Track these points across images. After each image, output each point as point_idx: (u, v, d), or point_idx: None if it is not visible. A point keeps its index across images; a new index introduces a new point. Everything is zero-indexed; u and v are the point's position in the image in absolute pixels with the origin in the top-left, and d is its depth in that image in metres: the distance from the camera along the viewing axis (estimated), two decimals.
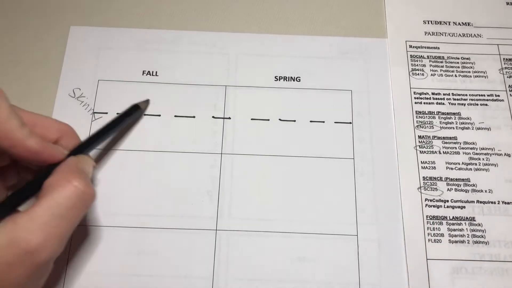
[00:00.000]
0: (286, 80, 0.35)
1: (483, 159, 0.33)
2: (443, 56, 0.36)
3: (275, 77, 0.35)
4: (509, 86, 0.35)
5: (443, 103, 0.34)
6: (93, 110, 0.33)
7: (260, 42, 0.36)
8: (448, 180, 0.32)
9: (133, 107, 0.32)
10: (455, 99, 0.34)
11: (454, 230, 0.31)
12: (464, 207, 0.31)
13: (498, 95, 0.34)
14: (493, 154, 0.33)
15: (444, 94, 0.34)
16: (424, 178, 0.32)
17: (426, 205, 0.31)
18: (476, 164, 0.32)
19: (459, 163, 0.32)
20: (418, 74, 0.35)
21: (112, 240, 0.30)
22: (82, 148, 0.27)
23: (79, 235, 0.30)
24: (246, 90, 0.34)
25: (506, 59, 0.36)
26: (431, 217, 0.31)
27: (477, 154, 0.33)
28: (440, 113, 0.34)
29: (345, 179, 0.32)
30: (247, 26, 0.37)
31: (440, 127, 0.33)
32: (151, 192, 0.31)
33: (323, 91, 0.35)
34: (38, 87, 0.34)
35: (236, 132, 0.33)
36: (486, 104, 0.34)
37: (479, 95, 0.34)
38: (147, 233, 0.30)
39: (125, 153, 0.32)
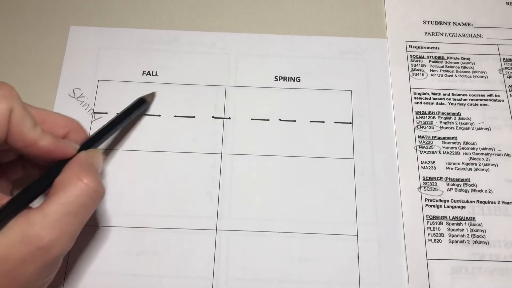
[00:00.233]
0: (286, 80, 0.35)
1: (483, 159, 0.33)
2: (443, 56, 0.36)
3: (275, 77, 0.35)
4: (509, 86, 0.35)
5: (443, 103, 0.34)
6: (93, 110, 0.33)
7: (260, 42, 0.36)
8: (448, 180, 0.32)
9: (139, 100, 0.32)
10: (455, 99, 0.34)
11: (454, 230, 0.31)
12: (464, 207, 0.31)
13: (498, 95, 0.34)
14: (493, 154, 0.33)
15: (444, 94, 0.34)
16: (424, 178, 0.32)
17: (426, 205, 0.31)
18: (476, 164, 0.32)
19: (459, 163, 0.32)
20: (418, 74, 0.35)
21: (112, 240, 0.30)
22: (92, 142, 0.27)
23: (79, 235, 0.30)
24: (246, 90, 0.34)
25: (506, 59, 0.36)
26: (431, 217, 0.31)
27: (477, 154, 0.33)
28: (440, 113, 0.34)
29: (345, 179, 0.32)
30: (247, 26, 0.37)
31: (440, 127, 0.33)
32: (151, 192, 0.31)
33: (323, 91, 0.35)
34: (38, 87, 0.34)
35: (236, 132, 0.33)
36: (486, 104, 0.34)
37: (479, 95, 0.34)
38: (147, 233, 0.30)
39: (125, 153, 0.32)
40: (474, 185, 0.32)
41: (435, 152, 0.33)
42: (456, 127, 0.33)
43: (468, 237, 0.30)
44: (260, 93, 0.34)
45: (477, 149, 0.33)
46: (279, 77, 0.35)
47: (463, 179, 0.32)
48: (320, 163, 0.32)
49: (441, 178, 0.32)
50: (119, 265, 0.29)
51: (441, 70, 0.35)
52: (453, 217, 0.31)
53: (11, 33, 0.36)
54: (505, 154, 0.33)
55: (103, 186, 0.24)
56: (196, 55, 0.35)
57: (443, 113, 0.34)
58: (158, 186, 0.31)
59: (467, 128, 0.33)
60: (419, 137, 0.33)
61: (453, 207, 0.31)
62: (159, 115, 0.33)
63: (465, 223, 0.31)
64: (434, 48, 0.36)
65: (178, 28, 0.36)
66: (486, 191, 0.32)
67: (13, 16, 0.36)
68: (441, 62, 0.36)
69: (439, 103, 0.34)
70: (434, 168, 0.32)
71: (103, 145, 0.32)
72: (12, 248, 0.21)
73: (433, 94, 0.34)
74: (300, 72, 0.35)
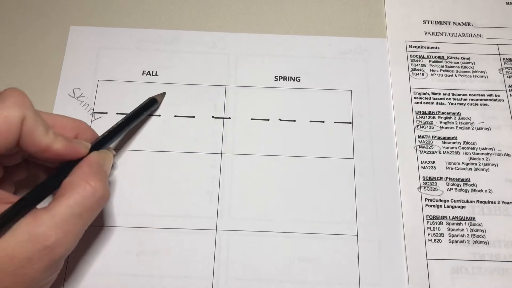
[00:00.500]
0: (286, 80, 0.35)
1: (483, 159, 0.33)
2: (443, 56, 0.36)
3: (275, 77, 0.35)
4: (509, 86, 0.35)
5: (443, 103, 0.34)
6: (93, 110, 0.33)
7: (260, 42, 0.36)
8: (448, 180, 0.32)
9: (151, 100, 0.32)
10: (455, 99, 0.34)
11: (454, 230, 0.31)
12: (464, 207, 0.31)
13: (498, 95, 0.34)
14: (493, 154, 0.33)
15: (444, 94, 0.34)
16: (424, 178, 0.32)
17: (426, 205, 0.31)
18: (476, 164, 0.32)
19: (459, 163, 0.32)
20: (418, 74, 0.35)
21: (112, 240, 0.30)
22: (103, 142, 0.28)
23: None
24: (246, 90, 0.34)
25: (506, 59, 0.36)
26: (431, 217, 0.31)
27: (477, 154, 0.33)
28: (440, 113, 0.34)
29: (345, 179, 0.32)
30: (247, 26, 0.37)
31: (440, 127, 0.33)
32: (151, 192, 0.31)
33: (323, 91, 0.35)
34: (38, 87, 0.34)
35: (236, 132, 0.33)
36: (486, 104, 0.34)
37: (479, 95, 0.34)
38: (147, 233, 0.30)
39: (125, 153, 0.32)
40: (474, 185, 0.32)
41: (435, 152, 0.33)
42: (456, 127, 0.33)
43: (468, 237, 0.30)
44: (260, 93, 0.34)
45: (477, 149, 0.33)
46: (279, 77, 0.35)
47: (463, 179, 0.32)
48: (320, 163, 0.32)
49: (441, 178, 0.32)
50: (119, 265, 0.29)
51: (441, 70, 0.35)
52: (453, 217, 0.31)
53: (11, 33, 0.36)
54: (505, 154, 0.33)
55: (109, 190, 0.25)
56: (196, 55, 0.35)
57: (443, 113, 0.34)
58: (158, 186, 0.31)
59: (467, 128, 0.33)
60: (419, 137, 0.33)
61: (453, 207, 0.31)
62: (159, 115, 0.33)
63: (465, 223, 0.31)
64: (434, 48, 0.36)
65: (178, 28, 0.36)
66: (486, 191, 0.32)
67: (13, 16, 0.36)
68: (441, 62, 0.36)
69: (439, 103, 0.34)
70: (434, 168, 0.32)
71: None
72: (19, 246, 0.21)
73: (433, 94, 0.34)
74: (300, 72, 0.35)
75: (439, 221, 0.31)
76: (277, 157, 0.32)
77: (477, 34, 0.37)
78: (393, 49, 0.36)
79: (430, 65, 0.35)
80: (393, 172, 0.32)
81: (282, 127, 0.33)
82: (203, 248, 0.30)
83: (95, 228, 0.30)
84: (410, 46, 0.36)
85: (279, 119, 0.34)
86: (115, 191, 0.31)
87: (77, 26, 0.36)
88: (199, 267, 0.29)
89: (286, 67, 0.35)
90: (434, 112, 0.34)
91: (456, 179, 0.32)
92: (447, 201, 0.31)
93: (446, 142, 0.33)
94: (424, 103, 0.34)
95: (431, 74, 0.35)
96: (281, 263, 0.30)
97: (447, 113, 0.34)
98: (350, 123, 0.34)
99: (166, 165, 0.32)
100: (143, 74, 0.35)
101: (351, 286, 0.29)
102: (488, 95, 0.34)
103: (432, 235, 0.30)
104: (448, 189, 0.32)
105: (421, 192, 0.32)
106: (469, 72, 0.35)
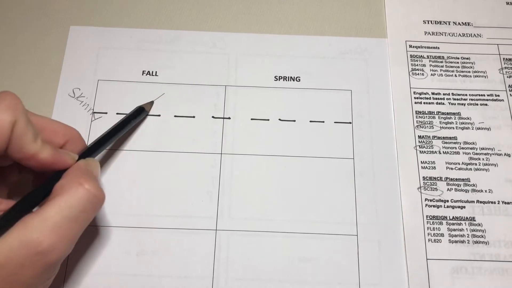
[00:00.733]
0: (286, 80, 0.35)
1: (483, 159, 0.33)
2: (443, 56, 0.36)
3: (275, 77, 0.35)
4: (509, 86, 0.35)
5: (443, 103, 0.34)
6: (93, 110, 0.33)
7: (260, 42, 0.36)
8: (448, 180, 0.32)
9: (138, 109, 0.32)
10: (455, 99, 0.34)
11: (454, 230, 0.31)
12: (464, 207, 0.31)
13: (498, 95, 0.34)
14: (493, 154, 0.33)
15: (444, 94, 0.34)
16: (424, 178, 0.32)
17: (426, 205, 0.31)
18: (476, 164, 0.32)
19: (459, 163, 0.32)
20: (418, 74, 0.35)
21: (112, 240, 0.30)
22: (90, 152, 0.27)
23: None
24: (246, 90, 0.34)
25: (506, 59, 0.36)
26: (431, 217, 0.31)
27: (477, 154, 0.33)
28: (440, 113, 0.34)
29: (345, 179, 0.32)
30: (247, 26, 0.37)
31: (440, 127, 0.33)
32: (151, 192, 0.31)
33: (323, 91, 0.35)
34: (38, 87, 0.34)
35: (236, 132, 0.33)
36: (486, 104, 0.34)
37: (479, 95, 0.34)
38: (147, 233, 0.30)
39: (125, 153, 0.32)
40: (474, 185, 0.32)
41: (435, 152, 0.33)
42: (456, 127, 0.33)
43: (468, 237, 0.30)
44: (260, 93, 0.34)
45: (477, 149, 0.33)
46: (279, 77, 0.35)
47: (463, 179, 0.32)
48: (320, 163, 0.32)
49: (441, 178, 0.32)
50: (119, 265, 0.29)
51: (441, 70, 0.35)
52: (453, 217, 0.31)
53: (11, 33, 0.36)
54: (505, 154, 0.33)
55: (103, 192, 0.24)
56: (196, 55, 0.35)
57: (443, 113, 0.34)
58: (158, 186, 0.31)
59: (467, 128, 0.33)
60: (419, 137, 0.33)
61: (453, 207, 0.31)
62: (159, 115, 0.33)
63: (465, 223, 0.31)
64: (434, 48, 0.36)
65: (178, 28, 0.36)
66: (486, 191, 0.32)
67: (13, 16, 0.36)
68: (441, 62, 0.36)
69: (439, 103, 0.34)
70: (434, 168, 0.32)
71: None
72: (11, 253, 0.21)
73: (433, 94, 0.34)
74: (300, 72, 0.35)
75: (439, 221, 0.31)
76: (277, 157, 0.32)
77: (477, 34, 0.37)
78: (393, 49, 0.36)
79: (430, 65, 0.35)
80: (393, 172, 0.32)
81: (282, 127, 0.33)
82: (203, 248, 0.30)
83: (95, 228, 0.30)
84: (410, 46, 0.36)
85: (279, 119, 0.34)
86: (114, 191, 0.31)
87: (77, 26, 0.36)
88: (199, 267, 0.29)
89: (286, 67, 0.35)
90: (434, 112, 0.34)
91: (456, 179, 0.32)
92: (447, 201, 0.31)
93: (446, 142, 0.33)
94: (424, 103, 0.34)
95: (431, 74, 0.35)
96: (281, 263, 0.30)
97: (447, 113, 0.34)
98: (350, 123, 0.34)
99: (166, 165, 0.32)
100: (143, 74, 0.35)
101: (351, 286, 0.29)
102: (488, 95, 0.34)
103: (432, 235, 0.30)
104: (448, 189, 0.32)
105: (421, 192, 0.32)
106: (469, 72, 0.35)
